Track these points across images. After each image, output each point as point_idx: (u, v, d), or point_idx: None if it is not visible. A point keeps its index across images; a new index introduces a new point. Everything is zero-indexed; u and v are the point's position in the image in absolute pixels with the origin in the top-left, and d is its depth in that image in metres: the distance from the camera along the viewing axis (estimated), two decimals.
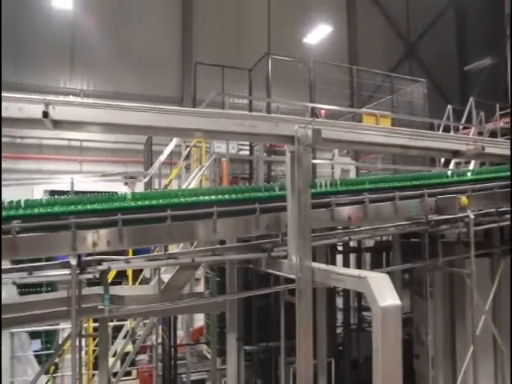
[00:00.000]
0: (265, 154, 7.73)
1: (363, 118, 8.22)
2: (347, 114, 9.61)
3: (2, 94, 3.16)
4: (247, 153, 8.55)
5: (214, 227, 4.22)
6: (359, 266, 8.34)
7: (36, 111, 3.21)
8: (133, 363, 9.00)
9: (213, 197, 4.48)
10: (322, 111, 8.90)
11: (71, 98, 3.66)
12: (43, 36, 12.42)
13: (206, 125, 3.82)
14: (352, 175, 8.79)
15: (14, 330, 8.63)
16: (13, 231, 3.63)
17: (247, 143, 8.37)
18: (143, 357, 10.18)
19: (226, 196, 4.54)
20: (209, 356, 7.53)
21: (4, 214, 3.74)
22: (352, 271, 3.87)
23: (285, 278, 4.71)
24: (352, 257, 8.25)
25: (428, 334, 6.38)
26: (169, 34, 14.15)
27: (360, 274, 3.42)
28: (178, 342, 8.00)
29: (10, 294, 8.29)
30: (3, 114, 3.18)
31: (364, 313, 9.17)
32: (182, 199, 4.39)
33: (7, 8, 12.20)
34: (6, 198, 4.30)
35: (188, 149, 7.96)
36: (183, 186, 6.17)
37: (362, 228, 5.59)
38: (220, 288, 6.14)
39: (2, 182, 6.39)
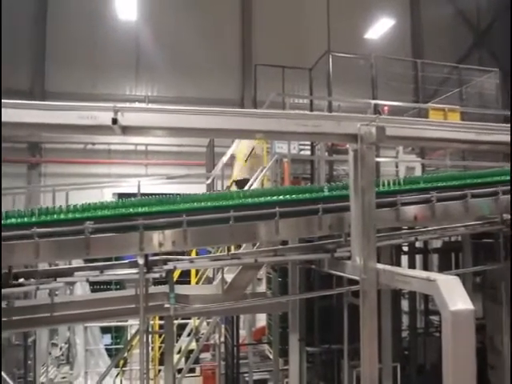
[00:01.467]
0: (326, 154, 7.62)
1: (430, 114, 7.89)
2: (412, 110, 9.25)
3: (78, 104, 3.36)
4: (308, 153, 8.48)
5: (277, 228, 4.21)
6: (426, 267, 8.00)
7: (106, 118, 3.37)
8: (196, 361, 9.19)
9: (275, 197, 4.47)
10: (386, 108, 8.64)
11: (137, 105, 3.80)
12: (111, 47, 13.08)
13: (267, 125, 3.82)
14: (418, 173, 8.43)
15: (87, 325, 9.16)
16: (86, 232, 3.83)
17: (308, 143, 8.30)
18: (207, 355, 10.37)
19: (288, 196, 4.52)
20: (271, 356, 7.54)
21: (78, 215, 3.95)
22: (419, 273, 3.72)
23: (348, 279, 4.62)
24: (418, 258, 7.93)
25: (504, 343, 5.98)
26: (228, 37, 14.35)
27: (429, 276, 3.27)
28: (240, 341, 8.08)
29: (84, 291, 8.82)
30: (78, 123, 3.37)
31: (431, 317, 8.78)
32: (245, 200, 4.42)
33: (82, 21, 13.01)
34: (79, 201, 4.55)
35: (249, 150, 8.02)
36: (245, 187, 6.22)
37: (429, 228, 5.36)
38: (282, 288, 6.13)
39: (76, 186, 6.83)
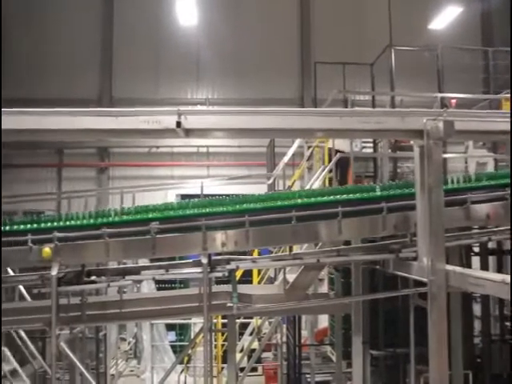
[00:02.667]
0: (389, 151, 7.38)
1: (502, 105, 7.41)
2: (482, 102, 8.72)
3: (143, 109, 3.50)
4: (371, 150, 8.25)
5: (339, 227, 4.14)
6: (500, 269, 7.52)
7: (170, 122, 3.48)
8: (259, 360, 9.25)
9: (337, 196, 4.38)
10: (453, 100, 8.22)
11: (199, 108, 3.88)
12: (172, 52, 13.49)
13: (328, 124, 3.77)
14: (490, 169, 7.93)
15: (153, 322, 9.49)
16: (152, 232, 3.96)
17: (370, 140, 8.07)
18: (268, 354, 10.41)
19: (351, 195, 4.42)
20: (333, 358, 7.43)
21: (144, 216, 4.10)
22: (494, 275, 3.52)
23: (414, 281, 4.45)
24: (491, 259, 7.47)
25: None
26: (287, 37, 14.28)
27: (504, 279, 3.07)
28: (302, 341, 8.03)
29: (150, 289, 9.15)
30: (143, 127, 3.50)
31: (508, 323, 8.24)
32: (307, 200, 4.37)
33: (145, 29, 13.53)
34: (144, 202, 4.73)
35: (310, 149, 7.94)
36: (306, 187, 6.17)
37: (503, 228, 5.03)
38: (345, 289, 6.01)
39: (142, 188, 7.11)
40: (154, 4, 13.66)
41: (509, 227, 4.98)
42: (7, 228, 4.60)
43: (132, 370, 10.92)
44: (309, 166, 9.01)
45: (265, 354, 10.23)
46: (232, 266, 4.42)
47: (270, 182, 6.31)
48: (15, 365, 7.22)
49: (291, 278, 5.01)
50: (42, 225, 4.57)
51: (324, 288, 7.40)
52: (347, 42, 14.18)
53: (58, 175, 13.55)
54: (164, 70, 13.45)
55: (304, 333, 8.84)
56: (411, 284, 4.78)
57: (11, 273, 6.12)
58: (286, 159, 5.97)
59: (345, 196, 4.39)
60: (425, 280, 3.69)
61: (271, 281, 7.88)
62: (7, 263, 4.95)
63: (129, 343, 11.58)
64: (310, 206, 4.26)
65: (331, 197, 4.40)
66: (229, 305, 4.64)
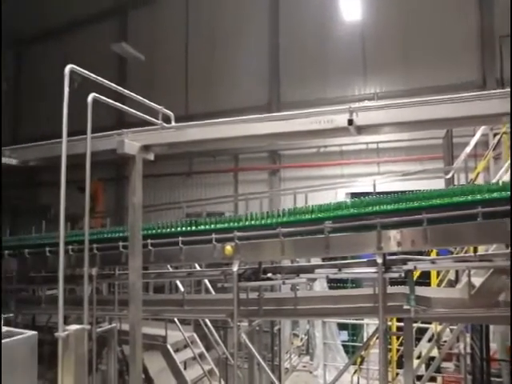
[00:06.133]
0: None
1: None
2: None
3: (314, 110, 3.56)
4: None
5: None
6: None
7: (342, 120, 3.46)
8: (438, 369, 8.59)
9: None
10: None
11: (367, 103, 3.77)
12: (337, 50, 13.41)
13: None
14: None
15: (325, 320, 9.61)
16: (325, 231, 4.00)
17: None
18: (449, 364, 9.59)
19: None
20: None
21: (318, 216, 4.16)
22: None
23: None
24: None
25: None
26: (462, 14, 12.82)
27: None
28: (490, 355, 7.17)
29: (322, 287, 9.27)
30: (314, 128, 3.56)
31: None
32: (496, 194, 3.88)
33: (310, 30, 13.80)
34: (314, 202, 4.81)
35: (497, 136, 7.04)
36: (493, 180, 5.51)
37: None
38: None
39: (313, 188, 7.27)
40: (318, 6, 13.80)
41: None
42: (194, 228, 5.18)
43: (305, 366, 11.20)
44: (495, 156, 7.98)
45: (445, 364, 9.45)
46: (409, 266, 4.20)
47: (449, 176, 5.82)
48: (202, 349, 8.09)
49: (476, 281, 4.53)
50: (225, 225, 5.00)
51: None
52: None
53: (235, 179, 14.69)
54: (330, 69, 13.45)
55: (493, 346, 7.89)
56: None
57: (198, 268, 6.87)
58: (467, 150, 5.42)
59: None
60: None
61: (451, 284, 7.25)
62: (196, 259, 5.58)
63: (301, 339, 11.91)
64: (499, 202, 3.76)
65: None
66: (405, 307, 4.41)
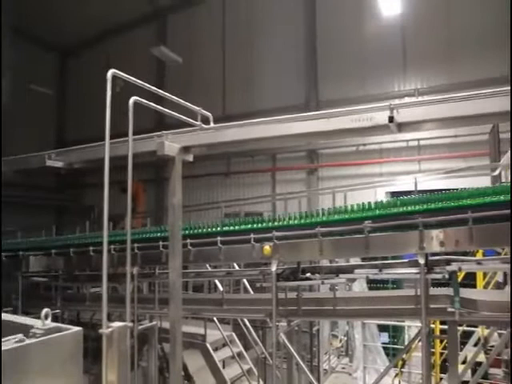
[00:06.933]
0: None
1: None
2: None
3: (352, 108, 3.50)
4: None
5: None
6: None
7: (382, 118, 3.39)
8: (485, 376, 8.26)
9: None
10: None
11: (407, 100, 3.68)
12: (376, 46, 13.09)
13: None
14: None
15: (365, 321, 9.44)
16: (365, 231, 3.93)
17: None
18: (498, 371, 9.19)
19: None
20: None
21: (357, 215, 4.09)
22: None
23: None
24: None
25: None
26: (506, 5, 12.17)
27: None
28: None
29: (361, 288, 9.13)
30: (353, 126, 3.50)
31: None
32: None
33: (348, 28, 13.61)
34: (353, 201, 4.73)
35: None
36: None
37: None
38: None
39: (352, 187, 7.15)
40: (355, 1, 13.57)
41: None
42: (233, 228, 5.21)
43: (344, 368, 11.06)
44: None
45: (493, 370, 9.08)
46: (453, 267, 4.06)
47: (496, 173, 5.58)
48: (241, 348, 8.12)
49: None
50: (263, 224, 5.01)
51: None
52: None
53: (273, 179, 14.68)
54: (369, 66, 13.17)
55: None
56: None
57: (236, 267, 6.92)
58: None
59: None
60: None
61: (499, 286, 6.96)
62: (235, 259, 5.62)
63: (340, 340, 11.77)
64: None
65: None
66: (449, 310, 4.27)
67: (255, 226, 5.02)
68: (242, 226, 5.13)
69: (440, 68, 12.45)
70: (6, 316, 2.47)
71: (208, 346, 7.29)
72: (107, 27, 17.73)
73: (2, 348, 1.82)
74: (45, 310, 2.08)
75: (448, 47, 12.27)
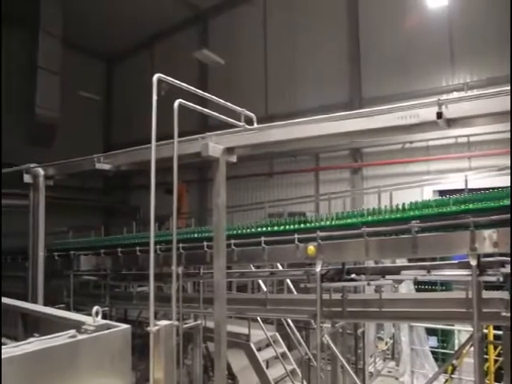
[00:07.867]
0: None
1: None
2: None
3: (397, 105, 3.40)
4: None
5: None
6: None
7: (429, 114, 3.27)
8: None
9: None
10: None
11: (456, 94, 3.53)
12: (421, 41, 12.65)
13: None
14: None
15: (412, 324, 9.17)
16: (412, 231, 3.81)
17: None
18: None
19: None
20: None
21: (404, 215, 3.97)
22: None
23: None
24: None
25: None
26: None
27: None
28: None
29: (408, 289, 8.86)
30: (399, 123, 3.40)
31: None
32: None
33: (391, 23, 13.28)
34: (399, 200, 4.61)
35: None
36: None
37: None
38: None
39: (398, 186, 6.98)
40: None
41: None
42: (277, 228, 5.20)
43: (390, 371, 10.78)
44: None
45: None
46: (508, 269, 3.86)
47: None
48: (284, 349, 8.10)
49: None
50: (307, 225, 4.97)
51: None
52: None
53: (316, 178, 14.53)
54: (414, 61, 12.75)
55: None
56: None
57: (280, 268, 6.90)
58: None
59: None
60: None
61: None
62: (278, 259, 5.60)
63: (386, 343, 11.49)
64: None
65: None
66: (503, 314, 4.07)
67: (299, 226, 4.99)
68: (286, 227, 5.11)
69: (491, 60, 11.90)
70: (59, 312, 2.57)
71: (252, 345, 7.32)
72: (153, 33, 18.21)
73: (56, 343, 1.90)
74: (95, 308, 2.15)
75: (498, 37, 11.68)
